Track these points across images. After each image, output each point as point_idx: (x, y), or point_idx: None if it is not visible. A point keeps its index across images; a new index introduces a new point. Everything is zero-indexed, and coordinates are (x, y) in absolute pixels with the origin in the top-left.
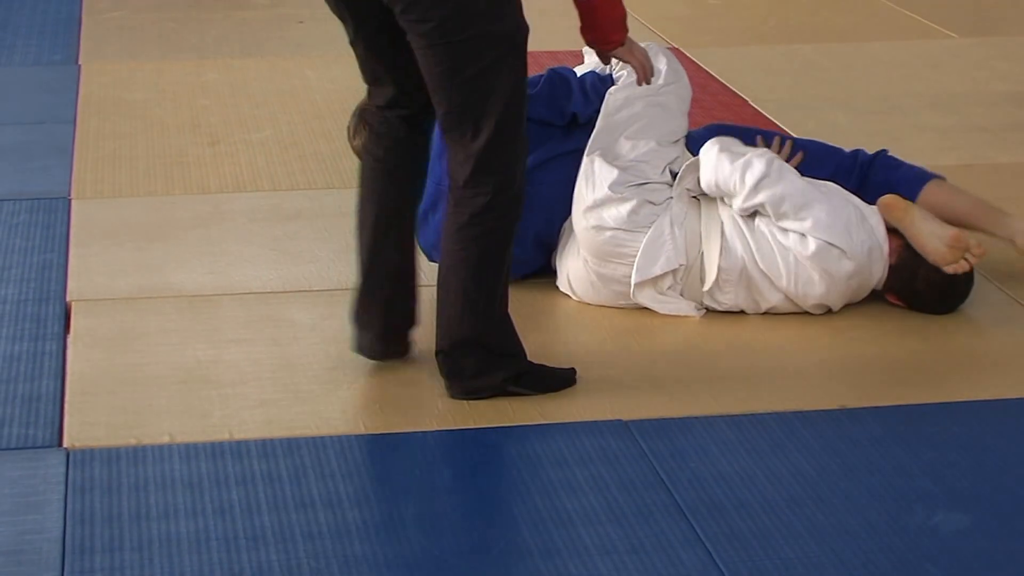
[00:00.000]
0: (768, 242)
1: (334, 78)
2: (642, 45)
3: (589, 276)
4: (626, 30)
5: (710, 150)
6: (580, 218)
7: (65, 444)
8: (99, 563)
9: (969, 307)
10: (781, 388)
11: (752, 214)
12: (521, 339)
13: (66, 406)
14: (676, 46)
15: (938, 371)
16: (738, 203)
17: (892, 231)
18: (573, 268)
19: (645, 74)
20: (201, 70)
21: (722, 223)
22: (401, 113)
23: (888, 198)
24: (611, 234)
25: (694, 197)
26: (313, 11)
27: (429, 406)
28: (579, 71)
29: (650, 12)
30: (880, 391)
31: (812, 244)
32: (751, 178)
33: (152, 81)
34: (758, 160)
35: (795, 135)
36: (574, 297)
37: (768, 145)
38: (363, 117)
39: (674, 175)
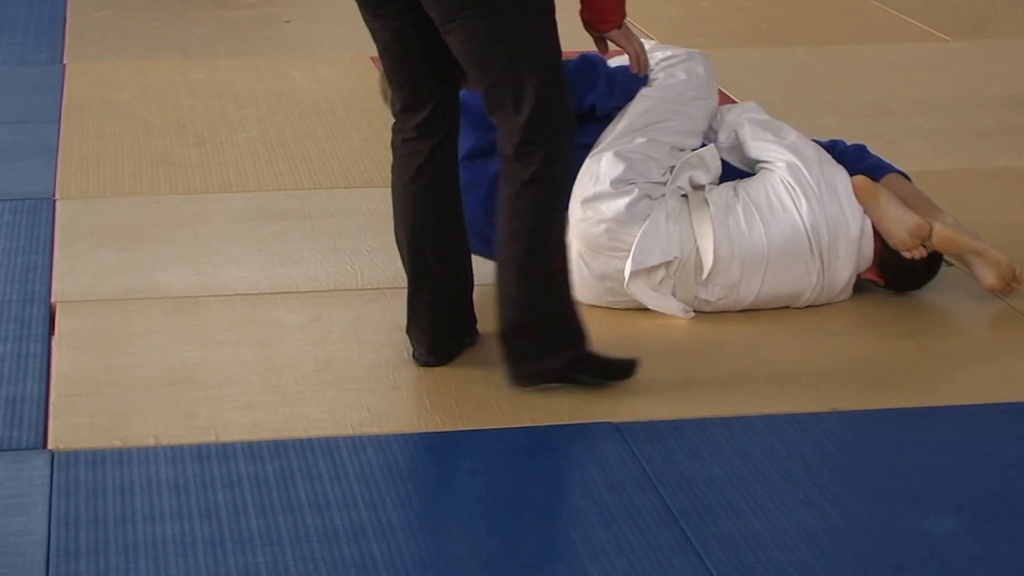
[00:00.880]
0: (758, 190)
1: (320, 78)
2: (687, 51)
3: (581, 271)
4: (624, 14)
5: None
6: (577, 209)
7: (50, 446)
8: (84, 566)
9: (963, 311)
10: (772, 391)
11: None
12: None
13: (51, 408)
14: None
15: (930, 374)
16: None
17: None
18: None
19: (640, 63)
20: (187, 70)
21: (711, 214)
22: (428, 144)
23: (858, 179)
24: (606, 226)
25: (683, 195)
26: (299, 11)
27: (417, 409)
28: (612, 63)
29: (641, 13)
30: (871, 394)
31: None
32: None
33: (137, 81)
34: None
35: None
36: None
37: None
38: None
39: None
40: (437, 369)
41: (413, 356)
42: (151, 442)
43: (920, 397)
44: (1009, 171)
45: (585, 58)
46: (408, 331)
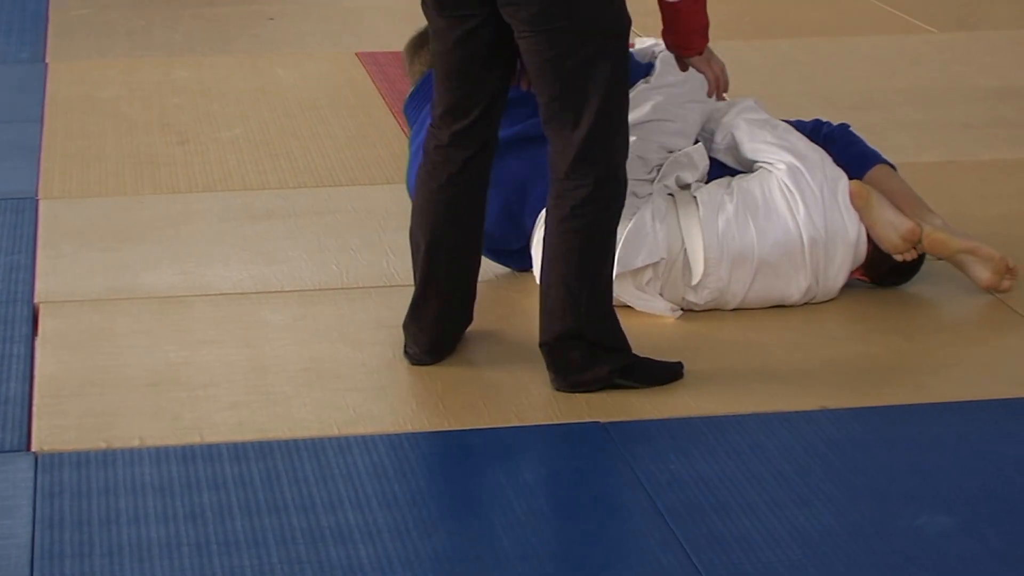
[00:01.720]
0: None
1: (305, 75)
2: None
3: None
4: (707, 39)
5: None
6: None
7: (34, 448)
8: (69, 569)
9: (956, 308)
10: (761, 389)
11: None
12: (625, 332)
13: (34, 409)
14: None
15: (922, 372)
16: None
17: None
18: None
19: (718, 87)
20: (170, 68)
21: (700, 214)
22: (464, 154)
23: (852, 184)
24: None
25: (670, 194)
26: (283, 8)
27: (403, 409)
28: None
29: (630, 7)
30: (862, 392)
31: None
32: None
33: (121, 79)
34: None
35: None
36: None
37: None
38: (422, 43)
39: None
40: (424, 368)
41: (406, 352)
42: (136, 443)
43: (911, 394)
44: (996, 163)
45: None
46: (406, 328)
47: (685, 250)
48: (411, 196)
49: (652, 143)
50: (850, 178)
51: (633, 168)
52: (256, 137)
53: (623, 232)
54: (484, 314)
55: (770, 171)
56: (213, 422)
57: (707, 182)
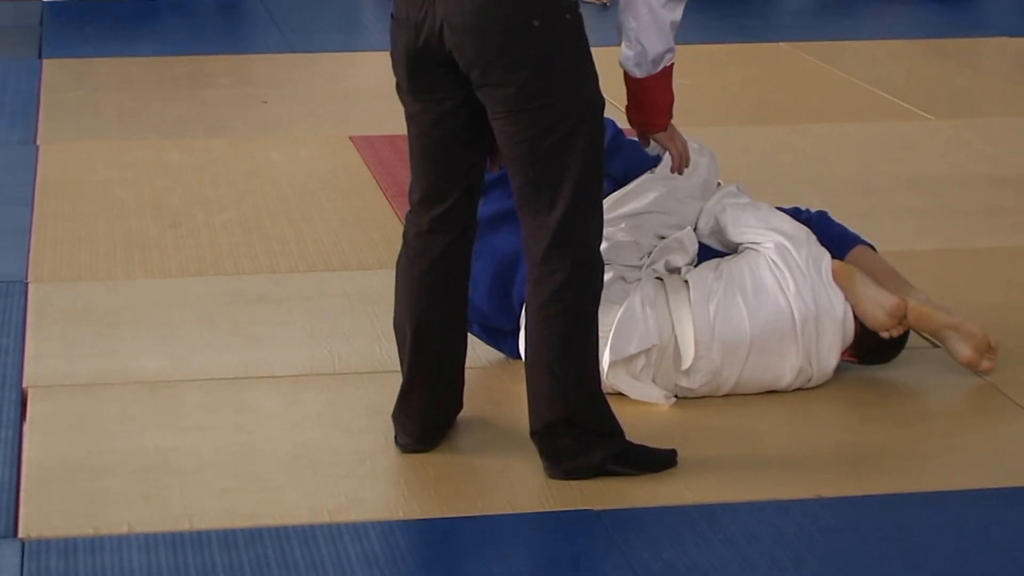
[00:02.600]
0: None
1: (298, 158)
2: (699, 145)
3: None
4: (670, 116)
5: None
6: None
7: (20, 534)
8: None
9: (947, 394)
10: (755, 476)
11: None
12: (618, 417)
13: (22, 495)
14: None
15: (915, 459)
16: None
17: None
18: None
19: (681, 163)
20: (163, 150)
21: (691, 300)
22: (445, 239)
23: (835, 264)
24: None
25: (658, 279)
26: (277, 91)
27: (394, 495)
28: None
29: (619, 91)
30: (856, 480)
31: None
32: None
33: (112, 161)
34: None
35: None
36: None
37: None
38: None
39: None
40: (415, 455)
41: (396, 442)
42: (124, 530)
43: (905, 482)
44: (993, 251)
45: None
46: (395, 419)
47: (675, 336)
48: None
49: (648, 231)
50: (848, 265)
51: (625, 254)
52: (249, 221)
53: (614, 320)
54: (476, 400)
55: (757, 251)
56: (203, 508)
57: (696, 265)
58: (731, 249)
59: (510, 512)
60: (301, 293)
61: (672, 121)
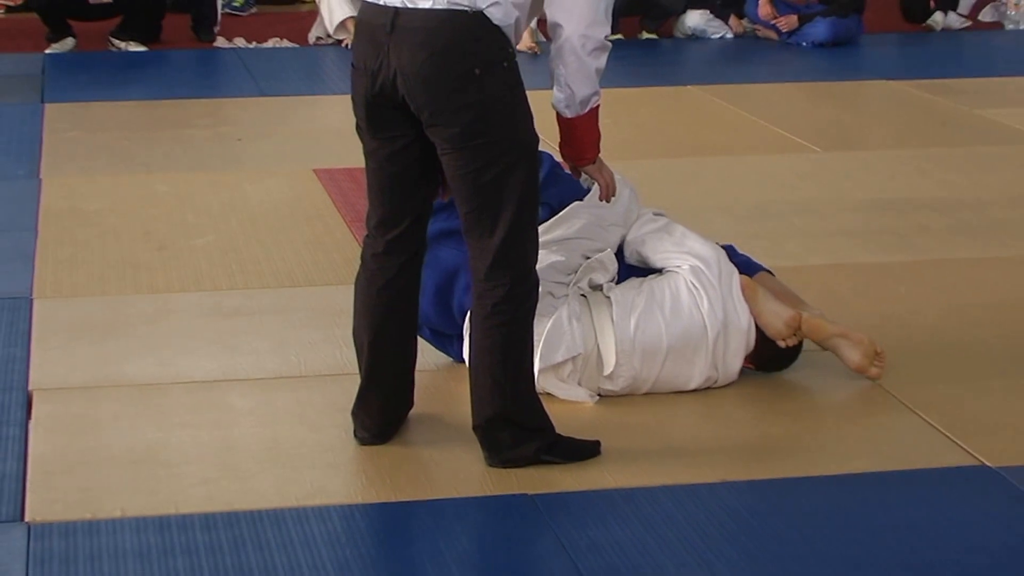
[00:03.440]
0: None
1: (268, 189)
2: (621, 178)
3: None
4: (598, 150)
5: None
6: None
7: (27, 519)
8: None
9: (837, 392)
10: (669, 464)
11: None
12: (548, 413)
13: (28, 484)
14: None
15: (808, 449)
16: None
17: None
18: None
19: (608, 193)
20: (151, 183)
21: (612, 315)
22: (399, 260)
23: (741, 279)
24: None
25: (583, 295)
26: (250, 130)
27: (355, 483)
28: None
29: (552, 129)
30: (757, 466)
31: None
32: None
33: (107, 193)
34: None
35: None
36: None
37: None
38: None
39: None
40: (373, 448)
41: (356, 436)
42: (118, 514)
43: (799, 468)
44: (878, 266)
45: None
46: (354, 415)
47: (598, 346)
48: None
49: (575, 254)
50: (753, 280)
51: (554, 272)
52: (225, 244)
53: (544, 332)
54: (425, 400)
55: (677, 272)
56: (186, 496)
57: (617, 282)
58: (654, 268)
59: (456, 496)
60: (272, 307)
61: (600, 155)
